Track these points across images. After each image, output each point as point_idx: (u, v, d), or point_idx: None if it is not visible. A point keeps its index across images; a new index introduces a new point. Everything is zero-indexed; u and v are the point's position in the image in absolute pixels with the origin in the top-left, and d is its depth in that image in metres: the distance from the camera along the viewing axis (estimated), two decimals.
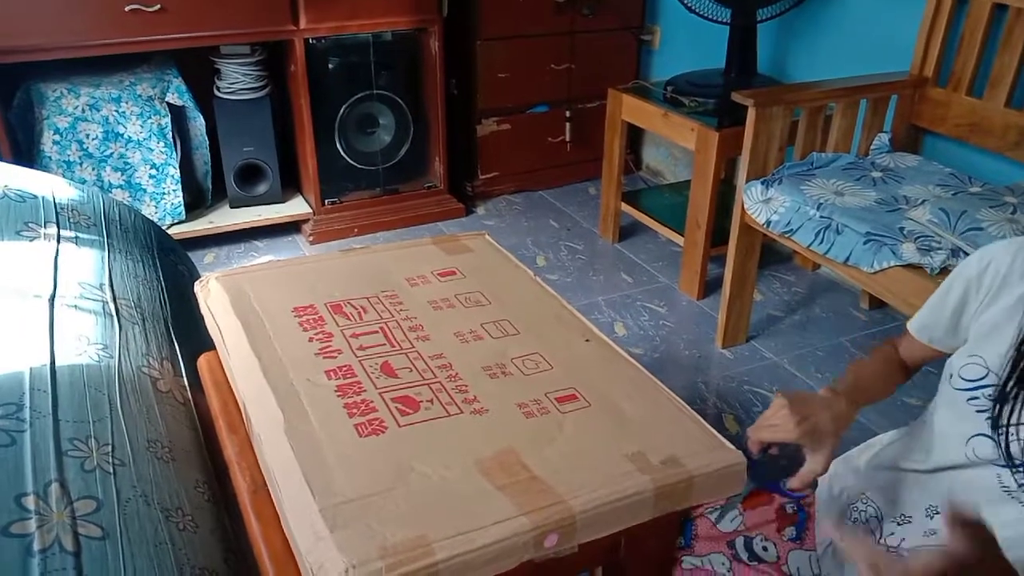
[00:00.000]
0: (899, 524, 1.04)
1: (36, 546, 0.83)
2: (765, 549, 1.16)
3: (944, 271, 1.67)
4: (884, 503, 1.10)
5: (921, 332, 1.12)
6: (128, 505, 0.93)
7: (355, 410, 1.03)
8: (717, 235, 2.43)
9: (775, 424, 1.02)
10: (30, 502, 0.88)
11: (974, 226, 1.68)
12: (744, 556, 1.15)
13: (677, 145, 2.86)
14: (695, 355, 2.29)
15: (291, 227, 2.97)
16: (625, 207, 2.85)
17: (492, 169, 3.24)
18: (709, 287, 2.56)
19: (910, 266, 1.71)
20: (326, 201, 2.90)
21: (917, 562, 0.79)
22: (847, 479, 1.20)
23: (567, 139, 3.28)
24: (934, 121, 2.20)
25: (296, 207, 2.94)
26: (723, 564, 1.14)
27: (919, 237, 1.73)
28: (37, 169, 2.28)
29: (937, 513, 1.00)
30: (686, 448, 1.00)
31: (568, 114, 3.23)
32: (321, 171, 2.84)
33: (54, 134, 2.51)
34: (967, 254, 1.67)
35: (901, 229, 1.77)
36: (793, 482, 1.04)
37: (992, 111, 2.04)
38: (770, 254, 2.73)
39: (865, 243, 1.77)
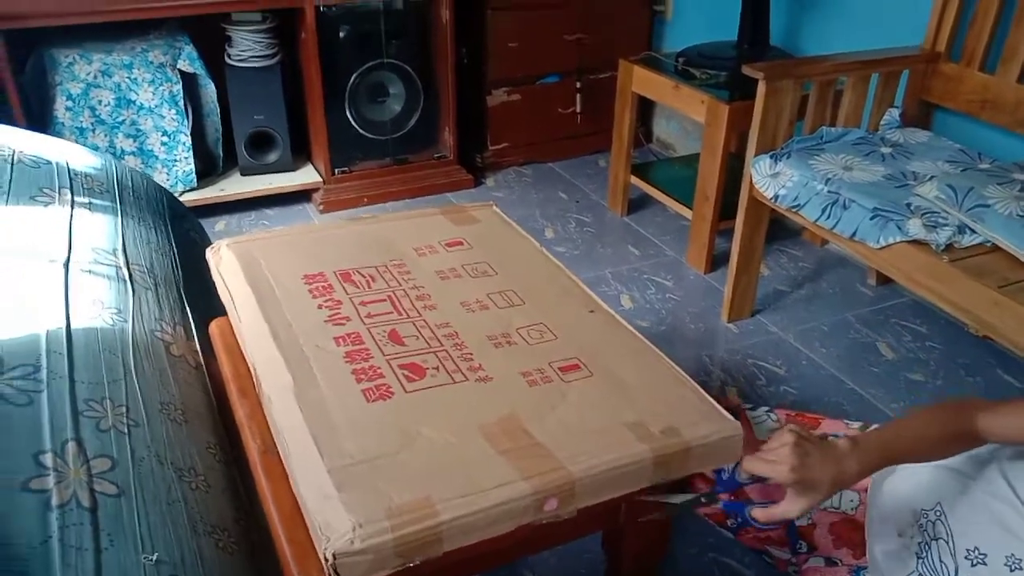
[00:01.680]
0: (972, 564, 0.95)
1: (54, 501, 0.86)
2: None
3: (949, 247, 1.68)
4: (956, 523, 1.00)
5: None
6: (142, 464, 0.96)
7: (363, 376, 1.06)
8: (726, 209, 2.43)
9: (772, 460, 0.95)
10: (48, 459, 0.91)
11: (981, 203, 1.68)
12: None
13: (688, 118, 2.85)
14: (701, 328, 2.31)
15: (301, 196, 2.98)
16: (634, 180, 2.85)
17: (502, 140, 3.24)
18: (716, 261, 2.57)
19: (916, 242, 1.71)
20: (336, 170, 2.91)
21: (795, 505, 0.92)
22: (921, 473, 1.09)
23: (577, 110, 3.27)
24: (945, 97, 2.19)
25: (306, 176, 2.95)
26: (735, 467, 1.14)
27: (926, 213, 1.73)
28: (50, 135, 2.30)
29: (1019, 568, 0.92)
30: (685, 418, 1.02)
31: (579, 85, 3.22)
32: (331, 140, 2.85)
33: (67, 100, 2.53)
34: (973, 231, 1.68)
35: (908, 205, 1.77)
36: (759, 514, 0.98)
37: (1004, 87, 2.03)
38: (779, 229, 2.73)
39: (872, 218, 1.78)
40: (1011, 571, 0.91)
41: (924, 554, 1.01)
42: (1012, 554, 0.91)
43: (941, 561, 0.99)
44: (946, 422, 0.99)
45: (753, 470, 0.96)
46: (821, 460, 0.93)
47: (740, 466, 0.98)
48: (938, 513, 1.02)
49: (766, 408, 1.27)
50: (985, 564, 0.94)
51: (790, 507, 0.95)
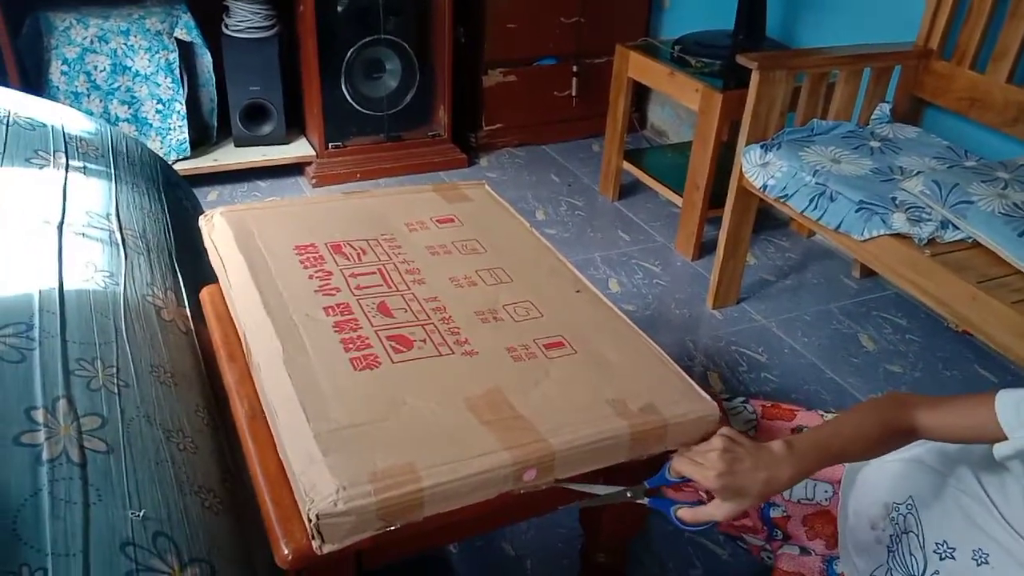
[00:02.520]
0: (941, 558, 0.96)
1: (45, 456, 0.88)
2: None
3: (932, 242, 1.71)
4: (927, 517, 1.00)
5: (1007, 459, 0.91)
6: (131, 424, 0.98)
7: (351, 345, 1.08)
8: (716, 197, 2.45)
9: (700, 464, 0.92)
10: (39, 415, 0.93)
11: (964, 199, 1.71)
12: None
13: (682, 105, 2.87)
14: (686, 314, 2.34)
15: (294, 169, 2.99)
16: (627, 165, 2.87)
17: (496, 121, 3.25)
18: (705, 248, 2.60)
19: (899, 235, 1.75)
20: (330, 144, 2.92)
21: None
22: (893, 467, 1.08)
23: (573, 94, 3.28)
24: (936, 93, 2.21)
25: (300, 149, 2.96)
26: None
27: (910, 207, 1.76)
28: (45, 98, 2.30)
29: (986, 562, 0.92)
30: (664, 397, 1.05)
31: (575, 68, 3.23)
32: (326, 114, 2.85)
33: (62, 64, 2.52)
34: (956, 227, 1.71)
35: (893, 199, 1.80)
36: (685, 514, 0.95)
37: (993, 86, 2.05)
38: (767, 219, 2.76)
39: (857, 211, 1.81)
40: (977, 565, 0.92)
41: (895, 547, 1.03)
42: (979, 548, 0.93)
43: (911, 554, 1.00)
44: (884, 420, 0.97)
45: (682, 471, 0.94)
46: (751, 467, 0.91)
47: (671, 464, 0.96)
48: (909, 507, 1.03)
49: (742, 399, 1.28)
50: (953, 558, 0.95)
51: (717, 511, 0.93)
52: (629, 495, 0.99)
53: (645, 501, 0.99)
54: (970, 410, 0.93)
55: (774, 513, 1.18)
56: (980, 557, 0.93)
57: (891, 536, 1.04)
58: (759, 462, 0.91)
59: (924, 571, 0.97)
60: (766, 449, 0.93)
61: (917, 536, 1.00)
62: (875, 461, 1.12)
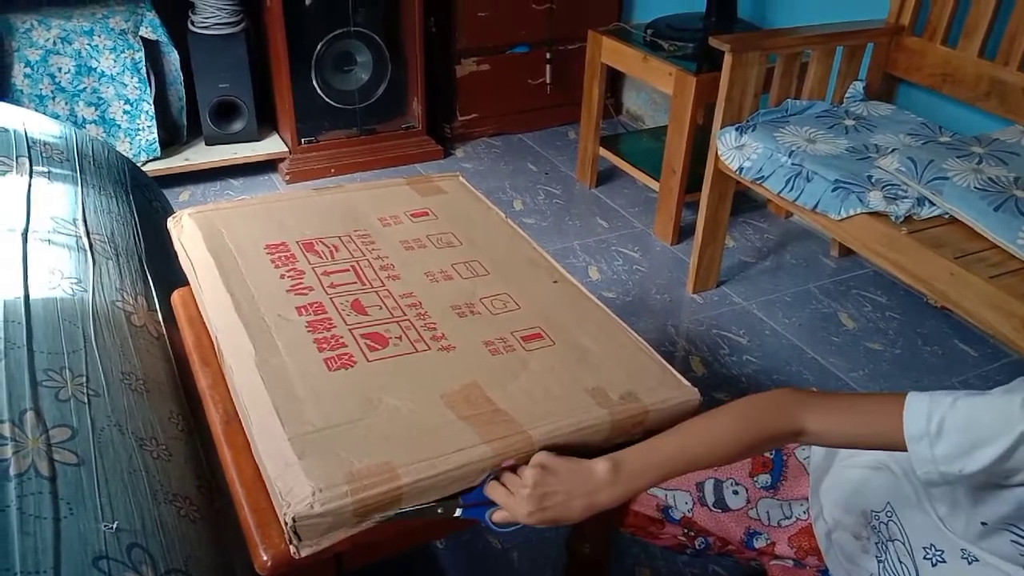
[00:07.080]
0: (933, 564, 0.92)
1: (12, 471, 0.86)
2: (736, 493, 1.10)
3: (908, 219, 1.71)
4: (907, 523, 0.96)
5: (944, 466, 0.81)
6: (103, 434, 0.96)
7: (325, 345, 1.06)
8: (693, 181, 2.44)
9: (513, 497, 0.90)
10: (5, 429, 0.90)
11: (940, 175, 1.71)
12: (710, 501, 1.10)
13: (657, 89, 2.86)
14: (666, 299, 2.33)
15: (267, 166, 2.95)
16: (603, 152, 2.86)
17: (471, 111, 3.22)
18: (683, 233, 2.59)
19: (876, 214, 1.74)
20: (302, 140, 2.88)
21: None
22: (859, 477, 1.03)
23: (547, 81, 3.26)
24: (909, 70, 2.21)
25: (272, 145, 2.92)
26: (685, 504, 1.10)
27: (886, 185, 1.76)
28: (8, 103, 2.25)
29: (975, 560, 0.88)
30: (644, 384, 1.04)
31: (548, 56, 3.21)
32: (297, 109, 2.81)
33: (25, 67, 2.47)
34: (932, 203, 1.71)
35: (869, 177, 1.80)
36: (498, 515, 0.92)
37: (965, 61, 2.05)
38: (745, 201, 2.76)
39: (833, 190, 1.80)
40: (968, 564, 0.89)
41: (882, 556, 0.99)
42: (963, 548, 0.90)
43: (900, 562, 0.96)
44: (756, 427, 0.90)
45: (495, 499, 0.91)
46: (565, 498, 0.89)
47: (486, 486, 0.93)
48: (889, 514, 0.99)
49: None
50: (944, 561, 0.91)
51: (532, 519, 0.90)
52: (440, 511, 0.92)
53: (458, 513, 0.93)
54: (873, 415, 0.86)
55: (758, 543, 1.14)
56: (969, 556, 0.90)
57: (876, 544, 1.00)
58: (574, 490, 0.89)
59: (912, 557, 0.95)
60: (584, 473, 0.90)
61: (903, 543, 0.96)
62: (840, 470, 1.07)
